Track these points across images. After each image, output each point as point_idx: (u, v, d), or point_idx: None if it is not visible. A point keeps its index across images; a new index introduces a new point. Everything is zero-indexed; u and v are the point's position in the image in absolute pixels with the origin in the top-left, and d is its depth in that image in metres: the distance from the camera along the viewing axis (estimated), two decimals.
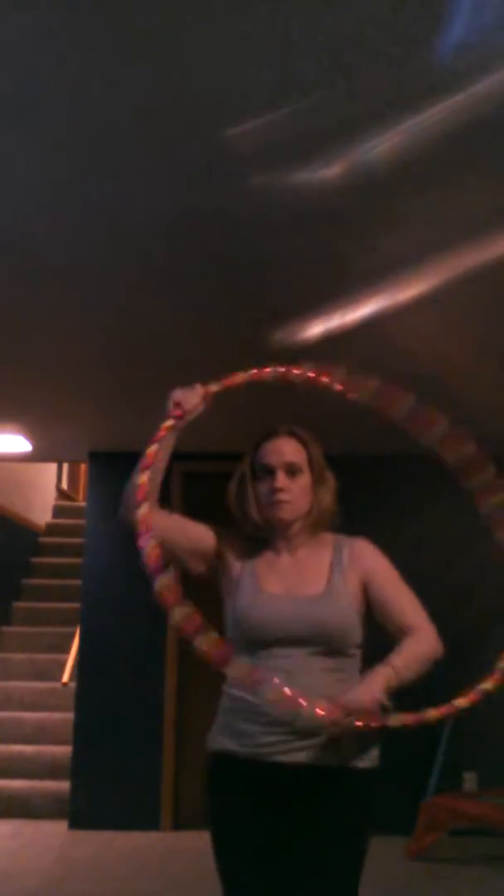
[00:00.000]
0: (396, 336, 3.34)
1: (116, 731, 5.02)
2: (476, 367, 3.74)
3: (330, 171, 2.18)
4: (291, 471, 1.90)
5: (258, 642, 1.81)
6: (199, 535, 2.00)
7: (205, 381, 1.91)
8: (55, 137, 2.09)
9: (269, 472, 1.91)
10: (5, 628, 6.67)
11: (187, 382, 1.90)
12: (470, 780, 4.71)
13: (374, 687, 1.67)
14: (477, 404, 4.22)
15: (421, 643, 1.80)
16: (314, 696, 1.64)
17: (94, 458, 5.40)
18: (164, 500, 5.41)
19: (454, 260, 2.69)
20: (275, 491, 1.88)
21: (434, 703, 1.65)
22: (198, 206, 2.39)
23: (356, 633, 1.82)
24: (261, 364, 1.92)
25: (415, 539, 4.54)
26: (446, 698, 1.67)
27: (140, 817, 4.90)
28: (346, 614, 1.80)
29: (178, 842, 4.69)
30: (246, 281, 2.91)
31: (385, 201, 2.36)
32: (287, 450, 1.93)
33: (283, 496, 1.87)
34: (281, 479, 1.88)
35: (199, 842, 4.73)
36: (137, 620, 5.18)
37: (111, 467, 5.38)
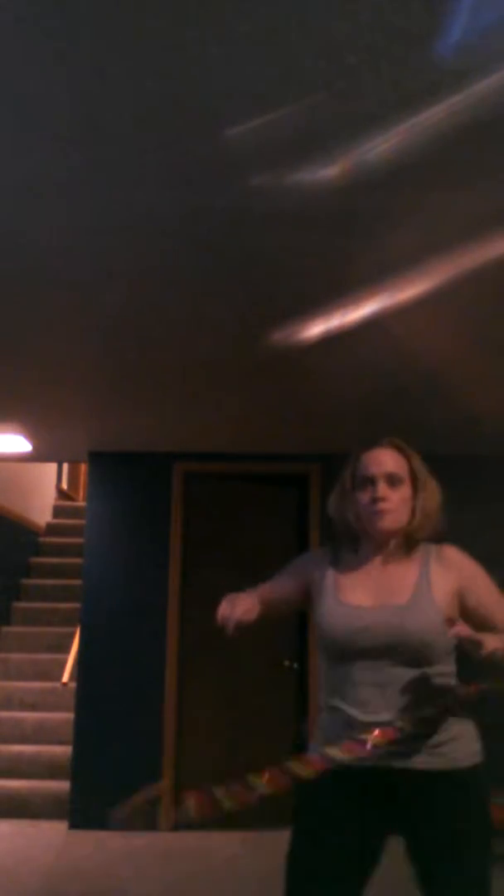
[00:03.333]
0: (396, 336, 3.34)
1: (116, 731, 5.02)
2: (476, 367, 3.74)
3: (330, 171, 2.18)
4: (392, 481, 1.90)
5: (342, 655, 1.84)
6: (290, 593, 2.00)
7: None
8: (55, 137, 2.08)
9: (370, 482, 1.91)
10: (5, 628, 6.67)
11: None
12: None
13: (489, 639, 1.71)
14: (477, 404, 4.22)
15: None
16: (392, 705, 1.72)
17: (94, 458, 5.40)
18: (165, 500, 5.39)
19: (454, 260, 2.69)
20: (375, 501, 1.89)
21: None
22: (198, 206, 2.39)
23: (442, 641, 1.80)
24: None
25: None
26: None
27: (140, 817, 4.90)
28: (430, 624, 1.80)
29: (178, 842, 4.69)
30: (246, 281, 2.91)
31: (385, 201, 2.36)
32: (388, 460, 1.92)
33: (383, 506, 1.88)
34: (382, 489, 1.89)
35: (199, 842, 4.73)
36: (137, 620, 5.18)
37: (111, 467, 5.39)
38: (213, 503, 5.39)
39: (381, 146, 2.07)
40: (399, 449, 1.95)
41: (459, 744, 1.82)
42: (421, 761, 1.78)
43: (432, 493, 1.95)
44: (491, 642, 1.71)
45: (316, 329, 3.26)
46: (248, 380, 3.93)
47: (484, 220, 2.47)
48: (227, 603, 1.78)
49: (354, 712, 1.81)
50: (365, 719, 1.78)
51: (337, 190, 2.27)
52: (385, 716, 1.77)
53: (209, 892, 3.84)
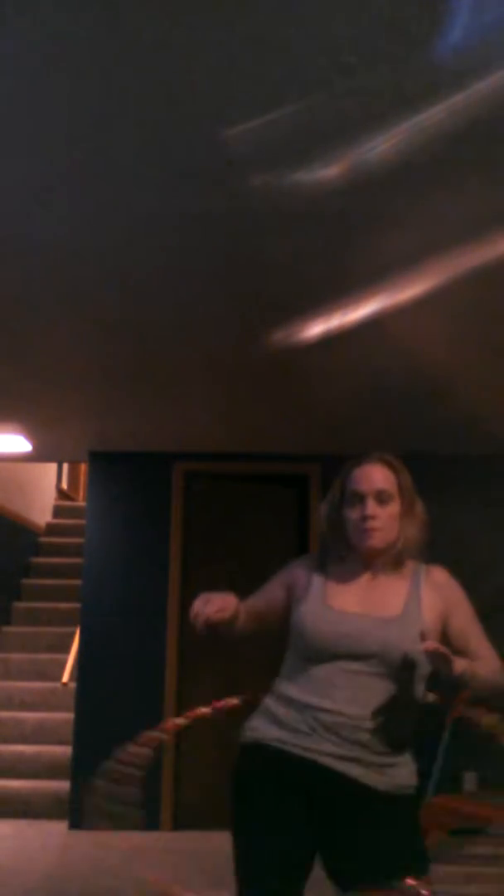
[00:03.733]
0: (396, 336, 3.34)
1: (116, 731, 5.00)
2: (476, 367, 3.74)
3: (330, 171, 2.18)
4: (381, 498, 1.90)
5: (319, 657, 1.84)
6: (277, 601, 2.00)
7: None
8: (55, 137, 2.09)
9: (360, 498, 1.91)
10: (5, 628, 6.67)
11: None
12: (470, 780, 4.71)
13: (458, 660, 1.75)
14: (477, 404, 4.22)
15: (489, 668, 1.88)
16: (364, 711, 1.75)
17: (94, 458, 5.40)
18: (165, 500, 5.36)
19: (454, 260, 2.69)
20: (365, 518, 1.89)
21: None
22: (198, 206, 2.39)
23: (423, 661, 1.81)
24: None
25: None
26: None
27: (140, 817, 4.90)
28: (416, 642, 1.81)
29: (178, 842, 4.69)
30: (246, 281, 2.91)
31: (385, 201, 2.36)
32: (378, 477, 1.92)
33: (373, 524, 1.88)
34: (371, 507, 1.89)
35: (199, 842, 4.72)
36: (137, 620, 5.18)
37: (111, 467, 5.39)
38: (213, 503, 5.39)
39: (381, 146, 2.07)
40: (388, 465, 1.95)
41: (404, 768, 1.83)
42: (362, 774, 1.78)
43: (419, 511, 1.96)
44: (461, 663, 1.76)
45: (316, 329, 3.26)
46: (249, 380, 3.93)
47: (484, 220, 2.47)
48: (200, 600, 1.80)
49: (314, 700, 1.81)
50: (323, 705, 1.80)
51: (337, 190, 2.27)
52: (349, 710, 1.78)
53: (209, 892, 3.83)
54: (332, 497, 1.98)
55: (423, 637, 1.79)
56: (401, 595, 1.88)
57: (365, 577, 1.92)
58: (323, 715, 1.80)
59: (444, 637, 1.87)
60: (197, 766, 5.01)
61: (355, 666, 1.81)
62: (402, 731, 1.81)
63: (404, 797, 1.82)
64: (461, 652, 1.84)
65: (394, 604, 1.87)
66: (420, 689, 1.85)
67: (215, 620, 1.78)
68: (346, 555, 1.95)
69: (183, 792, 4.99)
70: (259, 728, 1.89)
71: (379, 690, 1.80)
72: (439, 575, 1.94)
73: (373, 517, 1.88)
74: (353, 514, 1.91)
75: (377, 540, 1.89)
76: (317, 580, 1.94)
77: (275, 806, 1.82)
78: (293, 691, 1.86)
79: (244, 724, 1.94)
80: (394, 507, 1.91)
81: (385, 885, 1.70)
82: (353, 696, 1.79)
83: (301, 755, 1.80)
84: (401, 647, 1.80)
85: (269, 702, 1.92)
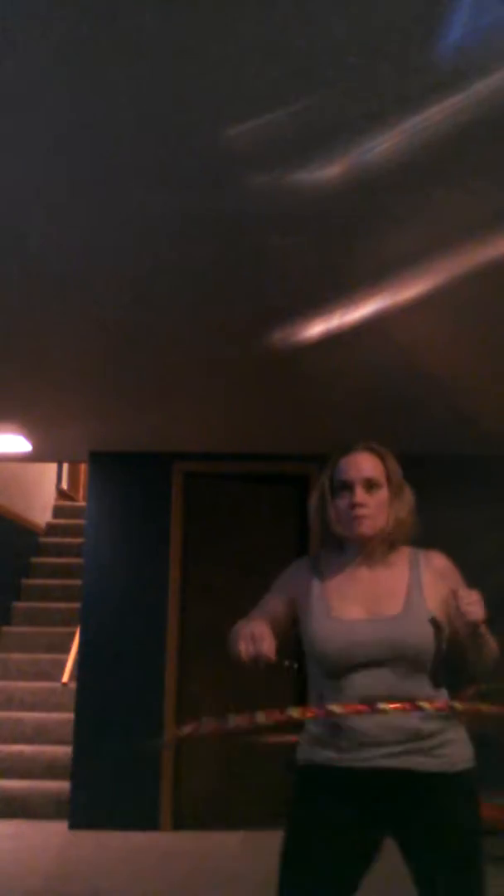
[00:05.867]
0: (396, 336, 3.34)
1: (116, 731, 5.02)
2: (476, 367, 3.74)
3: (330, 170, 2.18)
4: (370, 486, 1.92)
5: (336, 669, 1.84)
6: (283, 616, 1.98)
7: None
8: (55, 138, 2.09)
9: (348, 487, 1.92)
10: (5, 628, 6.67)
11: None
12: None
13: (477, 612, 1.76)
14: (477, 404, 4.22)
15: (492, 642, 1.86)
16: (395, 709, 1.72)
17: (94, 458, 5.40)
18: (165, 500, 5.38)
19: (454, 260, 2.69)
20: (354, 506, 1.90)
21: None
22: (198, 205, 2.39)
23: (433, 648, 1.83)
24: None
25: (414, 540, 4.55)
26: None
27: (140, 817, 4.90)
28: (423, 631, 1.82)
29: (178, 842, 4.70)
30: (246, 281, 2.91)
31: (385, 201, 2.36)
32: (365, 465, 1.93)
33: (362, 511, 1.90)
34: (360, 495, 1.90)
35: (199, 842, 4.72)
36: (137, 620, 5.18)
37: (111, 467, 5.39)
38: (213, 503, 5.39)
39: (381, 146, 2.07)
40: (375, 452, 1.96)
41: (455, 747, 1.84)
42: (418, 762, 1.79)
43: (407, 496, 1.97)
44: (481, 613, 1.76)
45: (316, 329, 3.26)
46: (248, 380, 3.93)
47: (484, 220, 2.47)
48: (246, 640, 1.74)
49: (347, 717, 1.81)
50: (355, 723, 1.81)
51: (337, 190, 2.27)
52: (380, 716, 1.79)
53: (209, 892, 3.84)
54: (320, 488, 1.98)
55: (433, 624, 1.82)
56: (402, 586, 1.89)
57: (363, 572, 1.92)
58: (358, 726, 1.80)
59: (448, 619, 1.87)
60: (197, 766, 5.01)
61: (374, 668, 1.81)
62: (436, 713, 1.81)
63: (462, 775, 1.83)
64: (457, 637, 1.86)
65: (396, 598, 1.87)
66: (439, 675, 1.86)
67: (268, 658, 1.74)
68: (339, 547, 1.96)
69: (183, 792, 4.99)
70: (305, 750, 1.90)
71: (402, 684, 1.80)
72: (438, 560, 1.95)
73: (362, 504, 1.89)
74: (342, 503, 1.92)
75: (367, 527, 1.90)
76: (316, 587, 1.94)
77: (332, 823, 1.82)
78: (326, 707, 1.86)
79: (297, 745, 1.95)
80: (382, 494, 1.92)
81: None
82: (379, 696, 1.77)
83: (353, 766, 1.81)
84: (411, 643, 1.81)
85: (308, 723, 1.93)
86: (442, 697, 1.85)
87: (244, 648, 1.73)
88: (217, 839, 4.69)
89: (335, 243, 2.62)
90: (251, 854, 4.40)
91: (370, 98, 1.90)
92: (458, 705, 1.74)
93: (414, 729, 1.79)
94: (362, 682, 1.81)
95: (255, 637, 1.73)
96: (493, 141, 2.07)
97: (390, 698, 1.72)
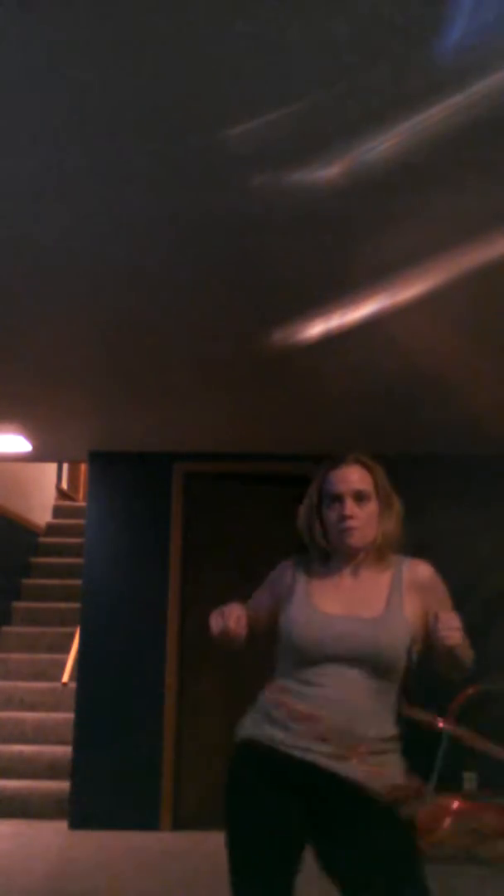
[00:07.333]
0: (396, 336, 3.34)
1: (116, 731, 5.02)
2: (476, 367, 3.74)
3: (330, 171, 2.18)
4: (359, 498, 1.95)
5: (310, 659, 1.86)
6: (269, 608, 2.02)
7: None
8: (55, 138, 2.09)
9: (338, 499, 1.95)
10: (5, 628, 6.67)
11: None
12: (470, 780, 4.71)
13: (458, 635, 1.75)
14: (477, 404, 4.22)
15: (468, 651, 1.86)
16: (352, 713, 1.78)
17: (94, 458, 5.40)
18: (165, 500, 5.38)
19: (454, 260, 2.69)
20: (343, 518, 1.93)
21: None
22: (198, 206, 2.39)
23: (405, 657, 1.85)
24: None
25: (415, 540, 4.55)
26: None
27: (140, 817, 4.90)
28: (399, 639, 1.84)
29: (177, 842, 4.69)
30: (246, 281, 2.91)
31: (385, 201, 2.36)
32: (354, 478, 1.96)
33: (351, 523, 1.92)
34: (349, 507, 1.93)
35: (199, 842, 4.72)
36: (137, 620, 5.18)
37: (111, 467, 5.39)
38: (213, 503, 5.39)
39: (381, 146, 2.07)
40: (364, 465, 1.99)
41: (397, 771, 1.84)
42: (359, 773, 1.79)
43: (396, 508, 1.99)
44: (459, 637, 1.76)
45: (316, 329, 3.27)
46: (248, 380, 3.93)
47: (484, 220, 2.47)
48: (215, 615, 1.83)
49: (306, 703, 1.84)
50: (315, 710, 1.82)
51: (337, 190, 2.28)
52: (339, 711, 1.81)
53: (209, 892, 3.84)
54: (308, 500, 2.02)
55: (410, 633, 1.83)
56: (383, 592, 1.91)
57: (347, 577, 1.95)
58: (316, 716, 1.82)
59: (425, 631, 1.87)
60: (197, 766, 5.01)
61: (343, 666, 1.83)
62: (391, 728, 1.85)
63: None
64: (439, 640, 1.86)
65: (376, 603, 1.89)
66: (402, 684, 1.87)
67: (235, 632, 1.81)
68: (325, 557, 1.99)
69: (183, 792, 4.99)
70: (249, 726, 1.91)
71: (367, 689, 1.82)
72: (423, 571, 1.96)
73: (351, 517, 1.92)
74: (331, 515, 1.95)
75: (356, 539, 1.92)
76: (301, 582, 1.97)
77: (265, 804, 1.84)
78: (287, 694, 1.88)
79: (238, 723, 1.96)
80: (371, 507, 1.95)
81: (377, 887, 1.72)
82: (343, 696, 1.82)
83: (294, 755, 1.82)
84: (385, 646, 1.82)
85: (262, 701, 1.94)
86: (397, 730, 1.86)
87: (213, 623, 1.80)
88: (217, 839, 4.67)
89: (335, 243, 2.62)
90: None
91: (370, 98, 1.90)
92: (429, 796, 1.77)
93: (371, 739, 1.80)
94: (330, 679, 1.83)
95: (226, 613, 1.80)
96: (492, 141, 2.07)
97: (355, 705, 1.78)
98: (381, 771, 1.81)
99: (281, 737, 1.84)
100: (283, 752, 1.83)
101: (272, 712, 1.88)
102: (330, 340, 3.35)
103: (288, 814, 1.82)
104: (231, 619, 1.80)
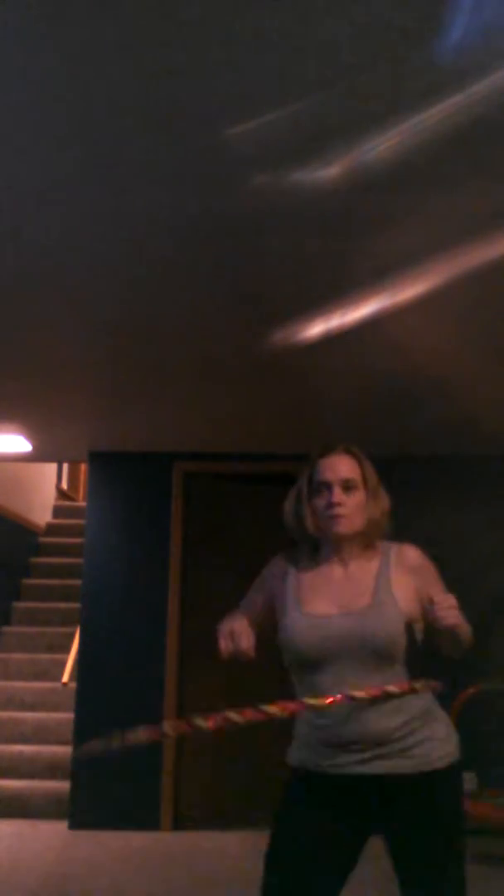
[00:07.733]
0: (396, 336, 3.34)
1: (116, 732, 5.01)
2: (475, 367, 3.74)
3: (330, 171, 2.18)
4: (347, 486, 1.97)
5: (308, 663, 1.89)
6: (263, 612, 2.04)
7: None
8: (55, 138, 2.09)
9: (326, 487, 1.97)
10: (5, 628, 6.67)
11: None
12: (470, 780, 4.71)
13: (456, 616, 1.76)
14: (477, 404, 4.22)
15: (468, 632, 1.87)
16: (368, 711, 1.79)
17: (94, 458, 5.40)
18: (165, 500, 5.37)
19: (454, 260, 2.69)
20: (332, 505, 1.95)
21: None
22: (198, 206, 2.39)
23: (403, 640, 1.86)
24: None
25: (415, 540, 4.55)
26: None
27: (140, 817, 4.90)
28: (392, 624, 1.85)
29: (177, 842, 4.69)
30: (246, 281, 2.91)
31: (385, 201, 2.36)
32: (343, 467, 1.99)
33: (339, 510, 1.94)
34: (337, 495, 1.95)
35: (199, 842, 4.71)
36: (137, 620, 5.18)
37: (111, 467, 5.39)
38: (213, 503, 5.39)
39: (381, 146, 2.07)
40: (353, 455, 2.01)
41: (431, 745, 1.85)
42: (389, 766, 1.82)
43: (382, 498, 2.01)
44: (458, 619, 1.77)
45: (316, 329, 3.27)
46: (248, 380, 3.93)
47: (484, 220, 2.47)
48: (225, 636, 1.83)
49: (321, 722, 1.87)
50: (328, 722, 1.85)
51: (337, 190, 2.28)
52: (353, 715, 1.83)
53: (209, 892, 3.84)
54: (298, 488, 2.03)
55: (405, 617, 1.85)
56: (371, 580, 1.92)
57: (337, 570, 1.97)
58: (337, 731, 1.84)
59: (422, 613, 1.89)
60: (197, 766, 5.01)
61: (346, 662, 1.84)
62: (411, 707, 1.84)
63: (439, 772, 1.84)
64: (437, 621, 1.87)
65: (366, 591, 1.90)
66: (404, 667, 1.88)
67: (248, 655, 1.82)
68: (313, 547, 2.00)
69: (183, 792, 4.99)
70: (291, 752, 1.97)
71: (375, 680, 1.82)
72: (411, 553, 1.97)
73: (339, 504, 1.94)
74: (320, 502, 1.97)
75: (344, 526, 1.94)
76: (291, 584, 1.98)
77: (308, 827, 1.86)
78: (306, 712, 1.89)
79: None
80: (359, 496, 1.97)
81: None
82: (354, 689, 1.81)
83: (330, 772, 1.85)
84: (379, 633, 1.83)
85: (295, 724, 1.98)
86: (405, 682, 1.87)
87: (223, 645, 1.81)
88: (217, 839, 4.69)
89: (335, 243, 2.62)
90: (251, 854, 4.39)
91: (370, 98, 1.90)
92: (418, 686, 1.77)
93: (383, 731, 1.81)
94: (335, 675, 1.84)
95: (235, 633, 1.81)
96: (492, 141, 2.07)
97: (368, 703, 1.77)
98: (417, 752, 1.83)
99: (314, 759, 1.88)
100: (319, 774, 1.86)
101: (301, 734, 1.93)
102: (330, 340, 3.35)
103: (334, 835, 1.84)
104: (242, 641, 1.81)
